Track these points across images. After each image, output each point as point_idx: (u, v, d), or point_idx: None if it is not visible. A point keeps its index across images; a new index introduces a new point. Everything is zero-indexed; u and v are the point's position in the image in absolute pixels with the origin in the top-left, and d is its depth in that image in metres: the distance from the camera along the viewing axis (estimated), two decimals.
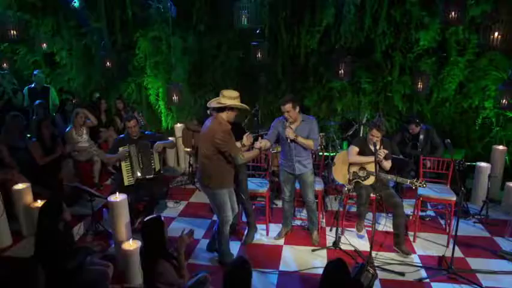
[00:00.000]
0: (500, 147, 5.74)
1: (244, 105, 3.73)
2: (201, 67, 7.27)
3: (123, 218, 3.94)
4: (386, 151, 4.17)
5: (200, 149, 3.82)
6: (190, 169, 6.33)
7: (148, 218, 2.99)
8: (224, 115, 3.65)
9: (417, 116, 5.67)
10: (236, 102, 3.64)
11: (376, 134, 4.17)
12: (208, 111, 4.05)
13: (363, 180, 4.36)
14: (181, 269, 2.95)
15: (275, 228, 4.77)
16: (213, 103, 3.67)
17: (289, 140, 4.08)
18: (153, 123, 7.90)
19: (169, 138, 6.79)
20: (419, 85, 5.73)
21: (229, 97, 3.62)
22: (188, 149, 6.27)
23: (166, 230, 2.96)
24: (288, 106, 3.96)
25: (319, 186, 4.68)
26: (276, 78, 7.07)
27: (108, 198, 3.94)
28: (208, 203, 5.59)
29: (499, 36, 3.50)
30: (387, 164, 4.25)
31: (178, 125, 7.02)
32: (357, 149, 4.42)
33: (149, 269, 2.83)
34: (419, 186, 4.09)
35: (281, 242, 4.55)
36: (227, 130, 3.61)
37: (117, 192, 3.97)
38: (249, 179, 4.72)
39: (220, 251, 4.09)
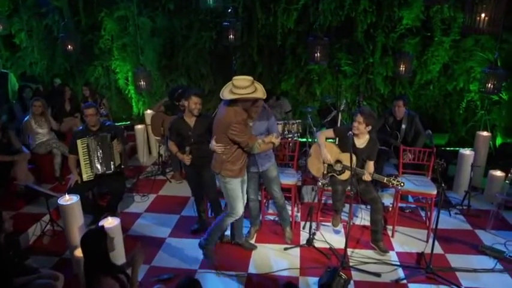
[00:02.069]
0: (484, 133, 5.48)
1: (258, 94, 3.33)
2: (171, 49, 6.81)
3: (76, 221, 3.61)
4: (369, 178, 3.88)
5: (212, 135, 3.56)
6: (161, 159, 5.97)
7: (87, 230, 2.66)
8: (239, 105, 3.36)
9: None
10: (249, 92, 3.28)
11: (359, 119, 3.80)
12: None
13: (338, 175, 4.05)
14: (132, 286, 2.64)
15: (247, 224, 4.47)
16: (225, 93, 3.37)
17: None
18: (123, 109, 7.47)
19: (139, 125, 6.47)
20: (402, 67, 5.40)
21: (241, 87, 3.27)
22: (158, 138, 5.87)
23: (110, 242, 2.63)
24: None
25: (292, 179, 4.38)
26: (251, 60, 6.65)
27: (58, 201, 3.59)
28: (178, 196, 5.33)
29: (486, 18, 3.15)
30: (370, 168, 3.97)
31: (149, 111, 6.61)
32: (331, 133, 4.12)
33: (91, 287, 2.52)
34: (397, 185, 3.79)
35: (252, 241, 4.26)
36: (243, 120, 3.39)
37: (75, 189, 3.62)
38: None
39: (208, 235, 3.78)
